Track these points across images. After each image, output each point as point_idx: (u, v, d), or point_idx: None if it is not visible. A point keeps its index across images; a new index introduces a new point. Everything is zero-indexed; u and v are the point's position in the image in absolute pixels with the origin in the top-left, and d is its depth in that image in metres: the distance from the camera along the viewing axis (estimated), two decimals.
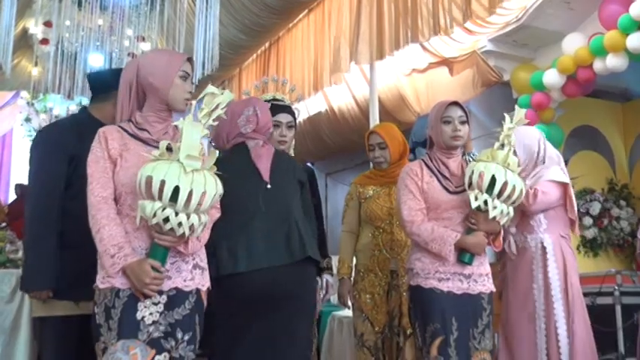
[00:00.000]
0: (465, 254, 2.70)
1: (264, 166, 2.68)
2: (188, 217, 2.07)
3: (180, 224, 2.06)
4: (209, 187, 2.09)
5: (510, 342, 3.16)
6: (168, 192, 2.02)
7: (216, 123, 2.20)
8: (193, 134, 2.11)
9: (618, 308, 4.46)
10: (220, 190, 2.16)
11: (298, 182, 2.77)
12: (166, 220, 2.05)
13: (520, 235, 3.22)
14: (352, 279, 3.46)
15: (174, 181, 2.02)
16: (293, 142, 3.28)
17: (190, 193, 2.04)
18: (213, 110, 2.16)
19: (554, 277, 3.12)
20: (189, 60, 2.38)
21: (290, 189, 2.72)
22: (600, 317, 4.07)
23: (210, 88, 2.19)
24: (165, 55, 2.43)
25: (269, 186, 2.63)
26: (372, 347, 3.25)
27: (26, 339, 4.23)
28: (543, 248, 3.16)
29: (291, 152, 3.27)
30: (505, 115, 2.78)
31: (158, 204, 2.04)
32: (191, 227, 2.10)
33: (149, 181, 2.04)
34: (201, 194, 2.06)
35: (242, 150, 2.73)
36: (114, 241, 2.13)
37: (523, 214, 3.18)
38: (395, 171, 3.44)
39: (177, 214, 2.05)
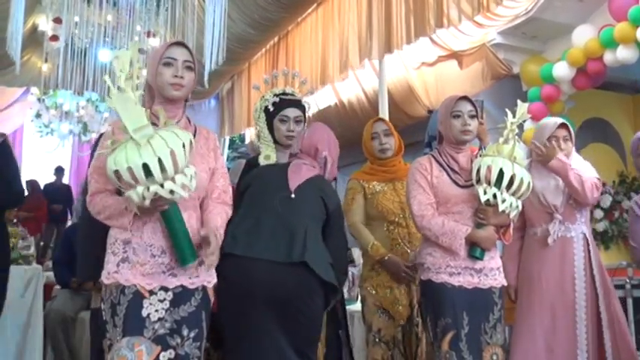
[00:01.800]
0: (475, 249, 2.69)
1: (295, 179, 2.71)
2: (174, 180, 2.05)
3: (172, 191, 2.05)
4: (172, 143, 2.06)
5: (534, 331, 3.12)
6: (140, 174, 2.00)
7: (141, 80, 2.13)
8: (127, 106, 2.08)
9: (630, 301, 4.45)
10: (186, 136, 2.12)
11: (323, 202, 2.75)
12: (155, 194, 2.05)
13: (562, 225, 3.19)
14: (363, 275, 3.44)
15: (137, 161, 2.00)
16: None
17: (160, 161, 2.02)
18: (130, 69, 2.09)
19: (596, 268, 3.13)
20: (182, 45, 2.35)
21: (311, 203, 2.73)
22: None
23: (116, 53, 2.11)
24: (155, 50, 2.47)
25: (293, 196, 2.67)
26: (389, 341, 3.22)
27: (40, 334, 4.28)
28: (585, 239, 3.18)
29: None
30: (507, 110, 2.78)
31: (140, 188, 2.03)
32: (183, 187, 2.08)
33: (118, 175, 2.03)
34: (169, 155, 2.04)
35: (286, 163, 2.80)
36: (121, 199, 2.15)
37: (573, 205, 3.17)
38: (395, 165, 3.43)
39: (162, 185, 2.03)
